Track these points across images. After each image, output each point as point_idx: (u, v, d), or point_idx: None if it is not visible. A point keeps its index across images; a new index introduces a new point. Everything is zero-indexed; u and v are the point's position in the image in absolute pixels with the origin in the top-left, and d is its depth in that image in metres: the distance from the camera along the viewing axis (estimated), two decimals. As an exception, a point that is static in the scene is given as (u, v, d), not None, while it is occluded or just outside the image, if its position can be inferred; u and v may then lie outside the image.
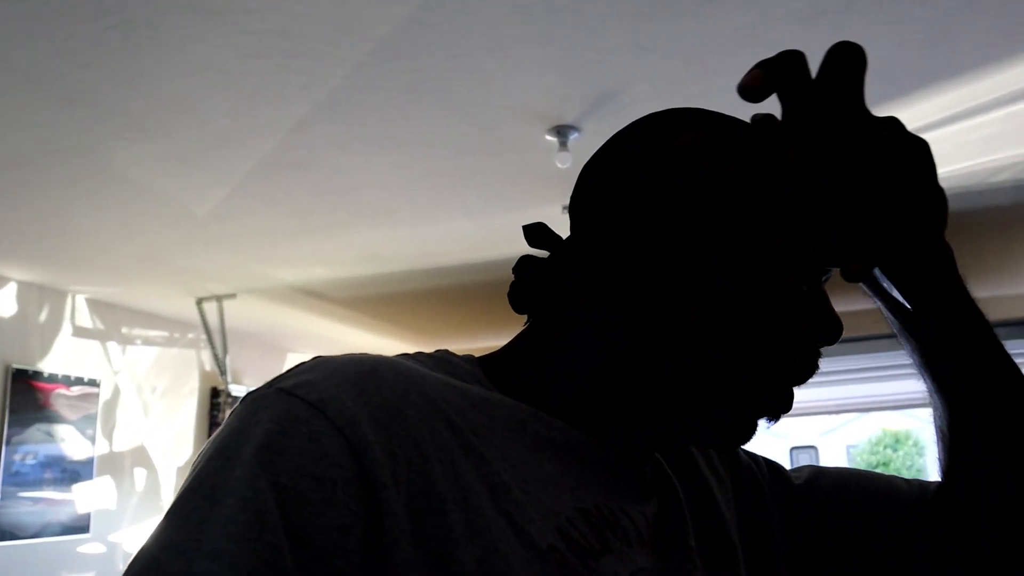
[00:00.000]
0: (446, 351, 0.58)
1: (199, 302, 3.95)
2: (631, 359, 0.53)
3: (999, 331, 0.59)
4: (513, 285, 0.60)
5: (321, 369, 0.47)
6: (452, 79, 1.94)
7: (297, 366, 0.49)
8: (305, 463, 0.42)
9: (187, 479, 0.44)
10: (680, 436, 0.55)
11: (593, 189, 0.58)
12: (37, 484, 3.47)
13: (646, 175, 0.55)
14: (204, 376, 4.54)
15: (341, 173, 2.49)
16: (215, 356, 4.27)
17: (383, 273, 3.64)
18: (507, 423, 0.51)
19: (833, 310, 0.54)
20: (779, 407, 0.53)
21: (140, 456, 4.09)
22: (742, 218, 0.53)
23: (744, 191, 0.53)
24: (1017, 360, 0.59)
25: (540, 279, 0.59)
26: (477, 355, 0.59)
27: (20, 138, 2.17)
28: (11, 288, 3.48)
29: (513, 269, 0.60)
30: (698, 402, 0.52)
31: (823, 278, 0.56)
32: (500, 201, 2.78)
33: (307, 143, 2.27)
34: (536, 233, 0.60)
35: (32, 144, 2.21)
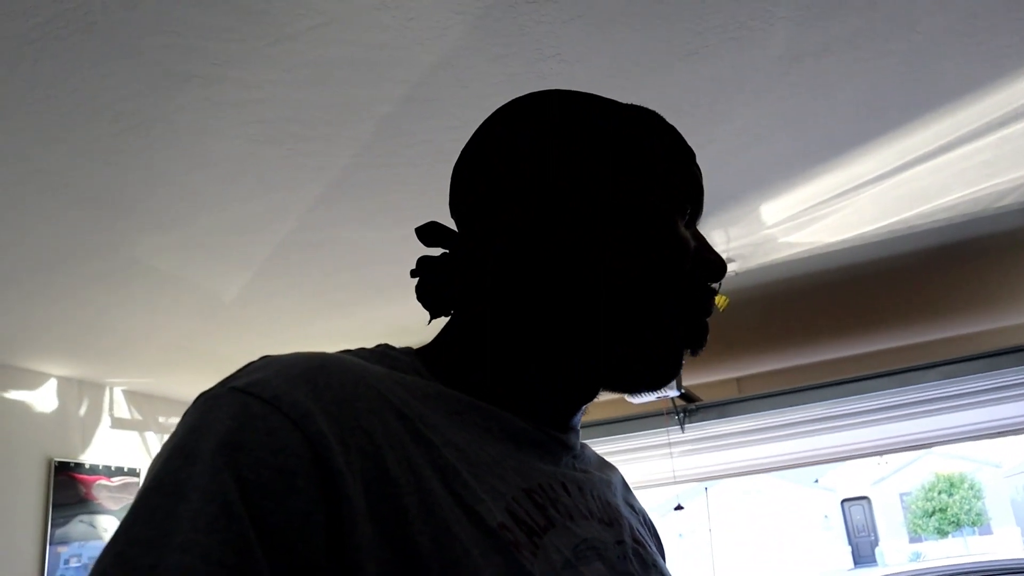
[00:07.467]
0: (386, 345, 0.62)
1: (232, 387, 4.03)
2: (558, 322, 0.58)
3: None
4: (422, 285, 0.63)
5: (272, 368, 0.49)
6: (453, 150, 2.02)
7: (246, 366, 0.51)
8: (265, 456, 0.44)
9: (146, 480, 0.46)
10: (617, 375, 0.59)
11: (470, 179, 0.62)
12: (82, 578, 3.52)
13: (519, 148, 0.61)
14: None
15: (357, 249, 2.58)
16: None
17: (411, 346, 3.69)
18: (448, 412, 0.54)
19: (714, 249, 0.59)
20: (697, 339, 0.59)
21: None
22: (616, 164, 0.59)
23: (614, 140, 0.60)
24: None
25: (452, 277, 0.62)
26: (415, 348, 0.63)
27: (49, 238, 2.29)
28: (51, 384, 3.59)
29: (413, 272, 0.63)
30: (628, 335, 0.57)
31: (695, 220, 0.63)
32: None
33: (322, 223, 2.36)
34: (430, 232, 0.63)
35: (61, 243, 2.33)
